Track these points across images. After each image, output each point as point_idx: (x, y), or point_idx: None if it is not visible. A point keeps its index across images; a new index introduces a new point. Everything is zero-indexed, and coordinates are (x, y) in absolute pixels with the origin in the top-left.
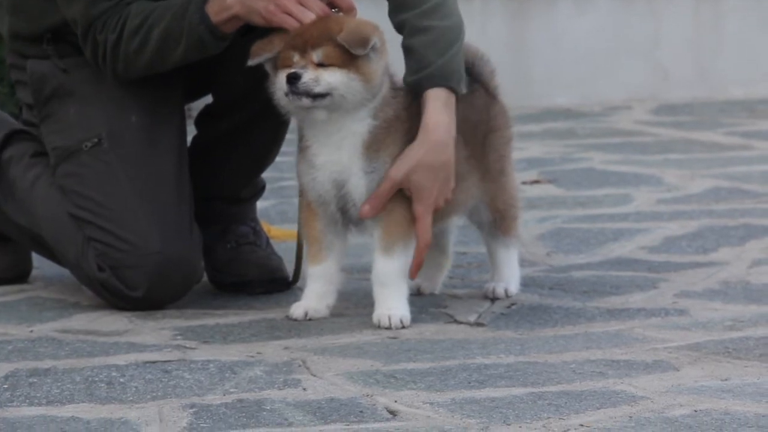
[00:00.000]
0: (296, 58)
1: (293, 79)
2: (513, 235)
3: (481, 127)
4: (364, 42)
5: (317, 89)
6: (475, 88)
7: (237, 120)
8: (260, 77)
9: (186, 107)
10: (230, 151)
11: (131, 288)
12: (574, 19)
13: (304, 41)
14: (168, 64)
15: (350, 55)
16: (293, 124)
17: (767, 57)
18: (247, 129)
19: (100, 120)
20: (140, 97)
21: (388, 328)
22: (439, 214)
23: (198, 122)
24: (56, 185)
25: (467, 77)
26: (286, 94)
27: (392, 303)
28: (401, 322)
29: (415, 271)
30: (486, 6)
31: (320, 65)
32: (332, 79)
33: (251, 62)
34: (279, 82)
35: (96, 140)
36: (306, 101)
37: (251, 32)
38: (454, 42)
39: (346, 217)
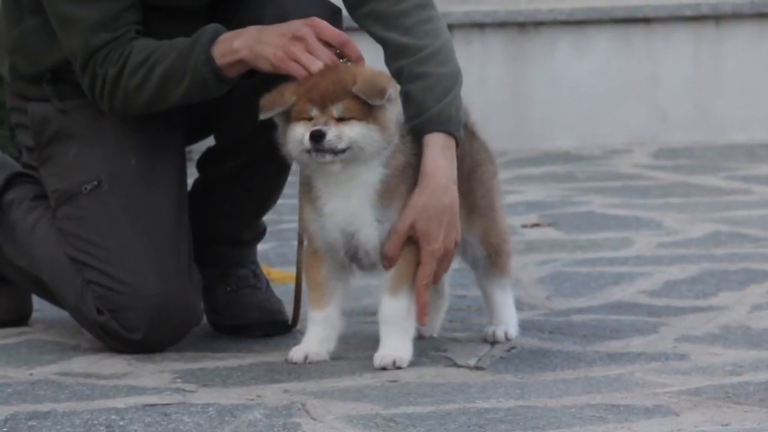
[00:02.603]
0: (314, 112)
1: (318, 138)
2: (508, 274)
3: (466, 161)
4: (381, 93)
5: (340, 146)
6: None
7: (239, 162)
8: (262, 120)
9: (187, 149)
10: (231, 193)
11: (130, 330)
12: (574, 61)
13: (321, 95)
14: (168, 103)
15: (368, 107)
16: (294, 166)
17: (767, 100)
18: (249, 172)
19: (100, 162)
20: (140, 139)
21: (383, 368)
22: None
23: (199, 164)
24: (56, 228)
25: None
26: (308, 152)
27: (392, 343)
28: (394, 363)
29: (421, 315)
30: (486, 48)
31: (340, 119)
32: (353, 133)
33: (263, 116)
34: (295, 136)
35: (96, 183)
36: (329, 157)
37: (255, 74)
38: (451, 88)
39: (356, 263)
